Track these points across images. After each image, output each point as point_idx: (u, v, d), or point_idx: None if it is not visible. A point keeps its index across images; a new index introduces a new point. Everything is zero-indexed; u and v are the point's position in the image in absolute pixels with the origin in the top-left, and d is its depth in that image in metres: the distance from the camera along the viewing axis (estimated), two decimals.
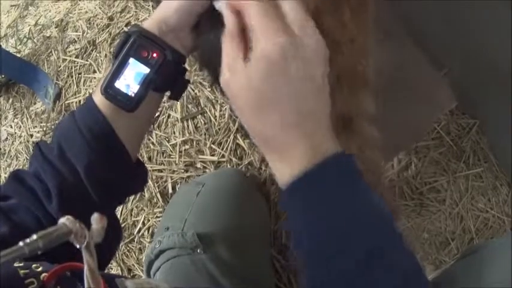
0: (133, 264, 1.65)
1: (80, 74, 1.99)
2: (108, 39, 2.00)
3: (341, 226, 0.69)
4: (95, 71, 1.96)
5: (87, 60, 2.00)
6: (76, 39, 2.08)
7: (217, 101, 1.73)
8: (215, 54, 0.85)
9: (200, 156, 1.69)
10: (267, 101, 0.70)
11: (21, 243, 0.48)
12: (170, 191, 1.68)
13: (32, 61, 2.13)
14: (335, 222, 0.70)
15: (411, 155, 1.57)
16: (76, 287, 0.66)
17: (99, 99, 0.85)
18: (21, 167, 1.94)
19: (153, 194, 1.68)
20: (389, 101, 0.89)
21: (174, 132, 1.74)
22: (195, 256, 1.23)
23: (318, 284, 0.72)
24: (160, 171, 1.71)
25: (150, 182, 1.69)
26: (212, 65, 0.93)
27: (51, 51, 2.11)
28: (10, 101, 2.13)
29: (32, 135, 1.99)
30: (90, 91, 1.93)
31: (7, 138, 2.05)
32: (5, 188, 0.86)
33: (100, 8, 2.08)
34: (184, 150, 1.71)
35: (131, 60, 0.84)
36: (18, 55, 2.16)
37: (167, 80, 0.89)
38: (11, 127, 2.06)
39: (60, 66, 2.04)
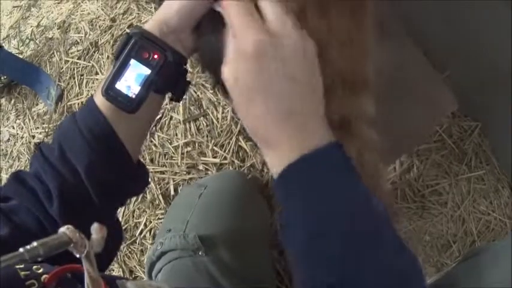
0: (135, 266, 1.65)
1: (82, 75, 1.99)
2: (110, 41, 2.00)
3: (330, 216, 0.70)
4: (97, 73, 1.96)
5: (89, 62, 2.00)
6: (78, 40, 2.08)
7: (219, 103, 1.73)
8: (216, 56, 0.85)
9: (202, 158, 1.69)
10: (251, 94, 0.72)
11: (21, 250, 0.48)
12: (172, 192, 1.68)
13: (34, 62, 2.13)
14: (323, 213, 0.71)
15: (413, 157, 1.57)
16: None
17: (100, 100, 0.85)
18: (22, 168, 1.94)
19: (155, 195, 1.68)
20: (391, 104, 0.88)
21: (176, 134, 1.74)
22: (196, 258, 1.23)
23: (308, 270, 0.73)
24: (162, 173, 1.71)
25: (152, 183, 1.69)
26: (213, 66, 0.93)
27: (53, 53, 2.11)
28: (12, 102, 2.13)
29: (33, 137, 1.99)
30: (92, 93, 1.92)
31: (9, 139, 2.05)
32: (5, 189, 0.86)
33: (102, 10, 2.08)
34: (187, 152, 1.71)
35: (132, 61, 0.84)
36: (21, 56, 2.16)
37: (168, 81, 0.89)
38: (13, 128, 2.06)
39: (62, 68, 2.04)
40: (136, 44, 0.84)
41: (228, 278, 1.22)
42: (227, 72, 0.75)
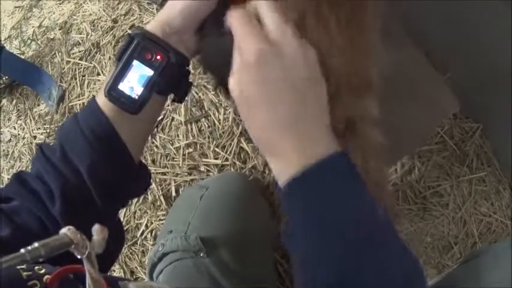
0: (136, 267, 1.65)
1: (83, 76, 1.99)
2: (112, 42, 2.00)
3: (335, 225, 0.70)
4: (98, 74, 1.96)
5: (91, 63, 2.00)
6: (80, 41, 2.08)
7: (221, 104, 1.73)
8: (219, 57, 0.85)
9: (204, 160, 1.69)
10: (255, 104, 0.73)
11: (23, 250, 0.48)
12: (173, 194, 1.68)
13: (36, 63, 2.13)
14: (330, 222, 0.70)
15: (414, 159, 1.57)
16: None
17: (102, 101, 0.85)
18: (24, 168, 1.94)
19: (157, 196, 1.68)
20: (392, 105, 0.88)
21: (178, 135, 1.74)
22: (198, 259, 1.23)
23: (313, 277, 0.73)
24: (163, 174, 1.71)
25: (153, 184, 1.69)
26: (216, 68, 0.93)
27: (55, 53, 2.11)
28: (14, 102, 2.13)
29: (35, 137, 1.99)
30: (94, 93, 1.93)
31: (10, 139, 2.05)
32: (7, 189, 0.86)
33: (104, 11, 2.08)
34: (188, 153, 1.71)
35: (135, 62, 0.84)
36: (22, 57, 2.16)
37: (171, 82, 0.89)
38: (15, 128, 2.06)
39: (64, 68, 2.04)
40: (139, 45, 0.84)
41: (229, 280, 1.22)
42: (232, 83, 0.75)
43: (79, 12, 2.16)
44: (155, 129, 1.75)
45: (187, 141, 1.72)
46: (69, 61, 2.04)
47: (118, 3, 2.08)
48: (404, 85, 1.24)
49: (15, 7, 2.39)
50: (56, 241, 0.52)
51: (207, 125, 1.73)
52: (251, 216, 1.38)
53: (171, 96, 0.93)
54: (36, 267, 0.68)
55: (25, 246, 0.49)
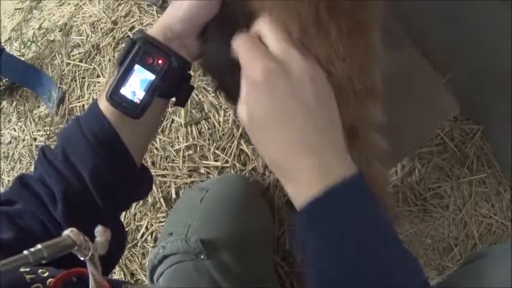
0: (136, 269, 1.65)
1: (83, 78, 1.99)
2: (112, 44, 2.00)
3: (354, 252, 0.69)
4: (98, 76, 1.97)
5: (91, 65, 2.00)
6: (80, 43, 2.08)
7: (221, 106, 1.74)
8: (221, 61, 0.85)
9: (204, 162, 1.69)
10: (266, 126, 0.72)
11: (25, 252, 0.48)
12: (174, 196, 1.68)
13: (36, 65, 2.13)
14: (349, 248, 0.69)
15: (415, 160, 1.57)
16: None
17: (104, 105, 0.86)
18: (24, 170, 1.95)
19: (157, 199, 1.68)
20: (392, 106, 0.88)
21: (178, 138, 1.75)
22: (198, 262, 1.23)
23: None
24: (163, 176, 1.71)
25: (153, 187, 1.69)
26: (218, 72, 0.94)
27: (55, 55, 2.11)
28: (14, 104, 2.13)
29: (35, 139, 1.99)
30: (94, 95, 1.94)
31: (11, 141, 2.05)
32: (10, 192, 0.86)
33: (104, 12, 2.08)
34: (188, 155, 1.71)
35: (136, 66, 0.84)
36: (22, 58, 2.16)
37: (172, 86, 0.89)
38: (15, 130, 2.06)
39: (64, 70, 2.04)
40: (141, 50, 0.84)
41: (230, 282, 1.22)
42: (241, 110, 0.74)
43: (79, 14, 2.16)
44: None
45: (187, 143, 1.72)
46: (69, 63, 2.04)
47: (118, 5, 2.08)
48: (404, 86, 1.24)
49: (16, 9, 2.39)
50: (59, 243, 0.52)
51: (207, 127, 1.73)
52: (251, 218, 1.38)
53: (173, 99, 0.94)
54: (40, 270, 0.68)
55: (28, 248, 0.49)
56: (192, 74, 0.93)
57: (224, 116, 1.72)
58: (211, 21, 0.86)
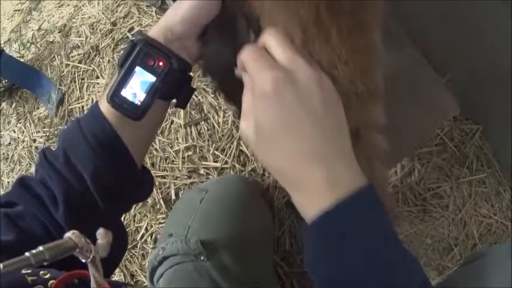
0: (136, 270, 1.65)
1: (83, 79, 1.99)
2: (111, 45, 2.00)
3: (362, 264, 0.69)
4: (98, 77, 1.97)
5: (90, 66, 2.00)
6: (79, 44, 2.08)
7: (220, 107, 1.74)
8: (221, 63, 0.85)
9: (203, 163, 1.69)
10: (274, 135, 0.71)
11: (27, 254, 0.48)
12: (173, 197, 1.68)
13: (35, 66, 2.13)
14: (358, 260, 0.69)
15: (414, 161, 1.57)
16: None
17: (105, 107, 0.86)
18: (24, 171, 1.95)
19: (156, 200, 1.68)
20: (391, 106, 0.88)
21: (177, 139, 1.75)
22: (198, 263, 1.23)
23: None
24: (163, 177, 1.71)
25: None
26: (218, 73, 0.94)
27: (54, 56, 2.11)
28: (13, 105, 2.13)
29: (34, 140, 1.99)
30: (93, 97, 1.94)
31: (10, 142, 2.05)
32: (11, 194, 0.86)
33: (103, 14, 2.08)
34: (188, 156, 1.71)
35: (137, 68, 0.84)
36: (22, 60, 2.16)
37: (173, 88, 0.89)
38: (14, 132, 2.06)
39: (63, 72, 2.04)
40: (141, 51, 0.84)
41: (230, 283, 1.22)
42: (245, 125, 0.74)
43: (78, 15, 2.16)
44: None
45: (186, 144, 1.72)
46: (69, 64, 2.04)
47: (117, 6, 2.08)
48: (404, 86, 1.24)
49: (15, 10, 2.39)
50: (61, 245, 0.52)
51: (206, 128, 1.73)
52: (251, 219, 1.38)
53: (173, 101, 0.94)
54: (41, 272, 0.68)
55: (29, 250, 0.49)
56: (191, 74, 0.93)
57: (224, 117, 1.72)
58: (211, 23, 0.87)
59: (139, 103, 0.84)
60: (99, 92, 1.94)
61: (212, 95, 1.75)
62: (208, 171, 1.68)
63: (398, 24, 1.31)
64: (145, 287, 1.53)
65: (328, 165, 0.70)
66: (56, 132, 1.95)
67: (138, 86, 0.84)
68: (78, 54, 2.05)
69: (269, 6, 0.76)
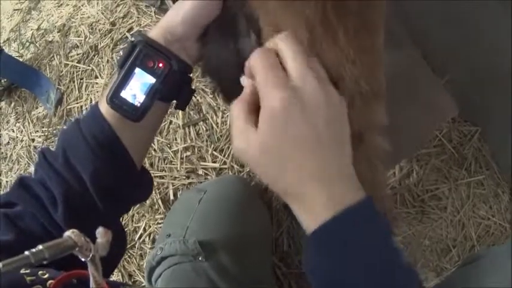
0: (134, 270, 1.65)
1: (81, 79, 1.99)
2: (110, 45, 2.00)
3: (360, 274, 0.69)
4: (96, 77, 1.97)
5: (89, 66, 2.00)
6: (78, 44, 2.08)
7: (219, 107, 1.74)
8: (219, 63, 0.85)
9: (202, 163, 1.69)
10: (282, 158, 0.70)
11: (27, 253, 0.48)
12: (172, 197, 1.68)
13: (34, 65, 2.13)
14: (356, 271, 0.70)
15: (413, 162, 1.58)
16: None
17: (104, 108, 0.86)
18: (22, 171, 1.94)
19: (155, 200, 1.68)
20: (390, 107, 0.88)
21: (176, 139, 1.75)
22: (196, 263, 1.23)
23: None
24: (161, 177, 1.71)
25: None
26: (216, 72, 0.94)
27: (53, 56, 2.11)
28: (12, 105, 2.13)
29: (33, 140, 1.99)
30: (92, 96, 1.94)
31: (9, 142, 2.05)
32: (10, 194, 0.86)
33: (102, 13, 2.08)
34: (186, 156, 1.71)
35: (137, 70, 0.84)
36: (21, 59, 2.15)
37: (173, 89, 0.89)
38: (13, 131, 2.06)
39: (62, 71, 2.04)
40: (141, 53, 0.84)
41: (228, 283, 1.22)
42: (243, 143, 0.73)
43: (77, 15, 2.16)
44: None
45: (185, 145, 1.72)
46: (68, 64, 2.04)
47: (116, 6, 2.08)
48: (403, 87, 1.24)
49: (14, 10, 2.39)
50: (60, 244, 0.52)
51: (205, 129, 1.73)
52: (249, 219, 1.38)
53: (173, 102, 0.94)
54: (40, 272, 0.69)
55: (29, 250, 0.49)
56: (192, 76, 0.93)
57: (222, 117, 1.72)
58: (211, 23, 0.87)
59: (138, 104, 0.84)
60: (97, 92, 1.94)
61: (211, 96, 1.75)
62: (206, 172, 1.68)
63: (398, 24, 1.31)
64: (143, 287, 1.53)
65: (328, 184, 0.70)
66: (54, 131, 1.95)
67: (137, 88, 0.84)
68: (77, 54, 2.05)
69: (273, 6, 0.76)
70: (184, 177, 1.69)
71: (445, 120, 1.55)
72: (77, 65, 2.02)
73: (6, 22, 2.38)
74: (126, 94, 0.84)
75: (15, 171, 1.97)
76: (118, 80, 0.85)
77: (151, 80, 0.85)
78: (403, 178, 1.57)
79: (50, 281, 0.66)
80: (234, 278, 1.24)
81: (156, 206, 1.68)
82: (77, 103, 1.96)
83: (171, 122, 1.77)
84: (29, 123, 2.04)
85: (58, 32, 2.16)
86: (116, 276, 1.65)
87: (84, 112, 1.91)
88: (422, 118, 1.32)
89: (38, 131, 2.00)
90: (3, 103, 2.17)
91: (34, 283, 0.65)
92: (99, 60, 2.00)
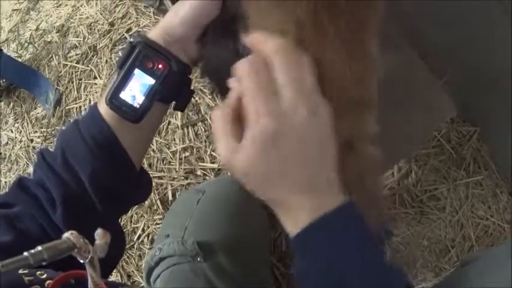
0: (132, 271, 1.65)
1: (80, 79, 1.99)
2: (109, 45, 2.00)
3: (340, 278, 0.70)
4: (95, 77, 1.96)
5: (87, 66, 2.00)
6: (77, 44, 2.08)
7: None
8: (218, 63, 0.85)
9: (200, 164, 1.69)
10: (267, 175, 0.71)
11: (26, 253, 0.48)
12: (170, 198, 1.68)
13: (33, 66, 2.13)
14: (334, 275, 0.70)
15: (411, 162, 1.58)
16: None
17: (104, 109, 0.86)
18: (21, 171, 1.94)
19: (153, 201, 1.68)
20: (389, 108, 0.87)
21: (175, 139, 1.75)
22: (195, 264, 1.23)
23: None
24: (160, 178, 1.71)
25: None
26: (214, 73, 0.93)
27: (52, 56, 2.10)
28: (11, 105, 2.13)
29: (32, 140, 1.99)
30: (91, 97, 1.94)
31: (7, 142, 2.05)
32: (9, 195, 0.86)
33: (101, 14, 2.08)
34: (185, 157, 1.71)
35: (136, 71, 0.84)
36: (19, 60, 2.15)
37: (172, 91, 0.89)
38: (12, 132, 2.06)
39: (60, 72, 2.04)
40: (141, 54, 0.84)
41: (227, 284, 1.22)
42: (240, 159, 0.72)
43: (76, 15, 2.16)
44: None
45: (183, 145, 1.72)
46: (66, 64, 2.04)
47: (115, 7, 2.08)
48: (401, 88, 1.24)
49: (13, 10, 2.39)
50: (59, 245, 0.52)
51: (203, 129, 1.73)
52: (248, 220, 1.37)
53: (172, 103, 0.93)
54: (38, 272, 0.69)
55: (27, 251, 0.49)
56: (191, 77, 0.93)
57: None
58: (211, 23, 0.86)
59: (138, 106, 0.84)
60: (96, 92, 1.94)
61: (209, 96, 1.75)
62: (205, 172, 1.68)
63: (396, 24, 1.31)
64: (141, 287, 1.53)
65: (314, 195, 0.71)
66: (53, 132, 1.95)
67: (137, 89, 0.84)
68: (76, 55, 2.05)
69: (265, 6, 0.75)
70: (182, 177, 1.69)
71: (443, 121, 1.56)
72: (76, 65, 2.02)
73: (5, 22, 2.38)
74: (125, 95, 0.84)
75: (14, 172, 1.97)
76: (117, 81, 0.85)
77: (151, 81, 0.84)
78: (402, 178, 1.57)
79: (48, 281, 0.67)
80: (233, 278, 1.24)
81: (155, 207, 1.68)
82: (76, 104, 1.95)
83: (169, 122, 1.77)
84: (27, 123, 2.03)
85: (57, 32, 2.16)
86: (114, 277, 1.64)
87: (83, 113, 1.91)
88: (421, 119, 1.32)
89: (36, 132, 2.00)
90: (2, 103, 2.17)
91: (32, 283, 0.65)
92: (98, 60, 2.00)
